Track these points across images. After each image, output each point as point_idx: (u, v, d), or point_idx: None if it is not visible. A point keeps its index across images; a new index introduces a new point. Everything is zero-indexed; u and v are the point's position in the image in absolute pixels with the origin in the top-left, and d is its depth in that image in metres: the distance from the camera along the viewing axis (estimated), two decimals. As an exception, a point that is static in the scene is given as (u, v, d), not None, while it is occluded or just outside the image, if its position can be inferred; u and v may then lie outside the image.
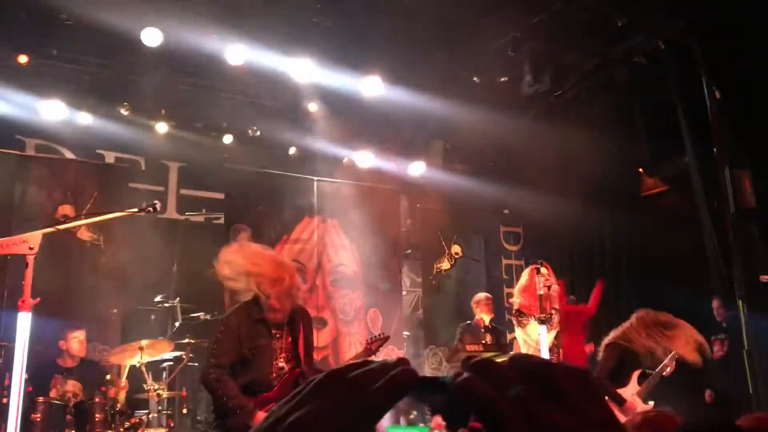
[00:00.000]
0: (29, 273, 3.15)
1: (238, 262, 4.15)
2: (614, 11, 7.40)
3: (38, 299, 3.20)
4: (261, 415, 3.95)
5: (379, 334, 4.77)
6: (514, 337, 8.94)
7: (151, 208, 3.79)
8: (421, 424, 6.80)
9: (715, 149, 7.16)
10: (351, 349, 8.27)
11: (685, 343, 5.66)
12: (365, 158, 9.43)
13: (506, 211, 10.30)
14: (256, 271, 4.11)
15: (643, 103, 8.14)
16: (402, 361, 0.56)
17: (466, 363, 0.55)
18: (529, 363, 0.55)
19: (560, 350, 5.62)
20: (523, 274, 5.22)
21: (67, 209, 7.58)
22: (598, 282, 2.29)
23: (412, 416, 7.38)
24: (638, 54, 8.01)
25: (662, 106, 7.81)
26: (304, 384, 0.57)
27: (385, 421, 6.02)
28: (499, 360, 0.57)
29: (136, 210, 3.89)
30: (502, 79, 8.52)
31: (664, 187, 8.72)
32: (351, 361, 0.57)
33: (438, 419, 5.60)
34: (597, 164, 8.05)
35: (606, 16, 7.50)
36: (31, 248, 3.17)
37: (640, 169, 8.84)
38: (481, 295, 7.91)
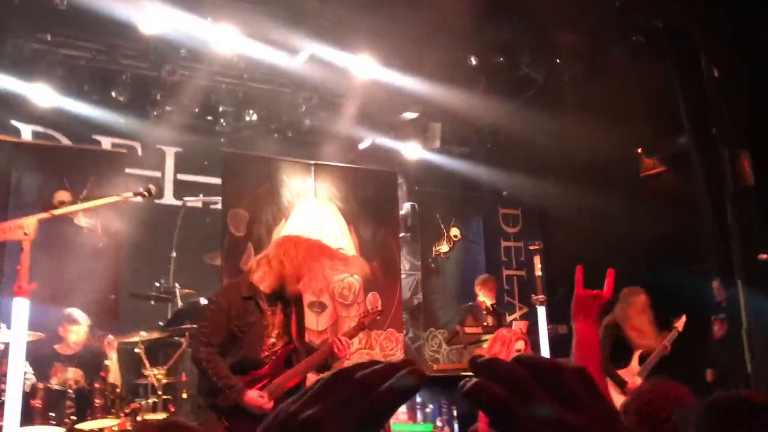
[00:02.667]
0: (25, 258, 3.13)
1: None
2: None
3: (35, 284, 3.18)
4: (251, 394, 3.95)
5: (372, 308, 4.76)
6: (515, 319, 8.97)
7: (146, 192, 3.78)
8: (438, 421, 6.93)
9: (713, 129, 7.14)
10: (350, 332, 8.25)
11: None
12: (363, 141, 9.40)
13: (505, 193, 10.29)
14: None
15: (641, 84, 8.10)
16: (408, 362, 0.57)
17: (473, 364, 0.56)
18: (534, 362, 0.56)
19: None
20: None
21: (63, 195, 7.54)
22: (610, 270, 2.31)
23: (427, 410, 7.45)
24: (636, 34, 7.97)
25: (660, 86, 7.77)
26: (312, 384, 0.58)
27: (394, 419, 6.07)
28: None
29: (130, 194, 3.87)
30: (500, 59, 8.49)
31: (662, 168, 8.70)
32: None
33: None
34: (595, 145, 8.02)
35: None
36: (26, 233, 3.15)
37: (639, 150, 8.82)
38: (485, 276, 8.06)
